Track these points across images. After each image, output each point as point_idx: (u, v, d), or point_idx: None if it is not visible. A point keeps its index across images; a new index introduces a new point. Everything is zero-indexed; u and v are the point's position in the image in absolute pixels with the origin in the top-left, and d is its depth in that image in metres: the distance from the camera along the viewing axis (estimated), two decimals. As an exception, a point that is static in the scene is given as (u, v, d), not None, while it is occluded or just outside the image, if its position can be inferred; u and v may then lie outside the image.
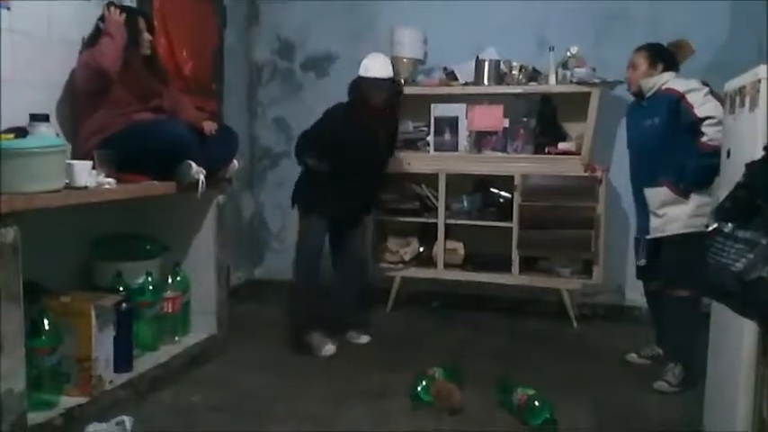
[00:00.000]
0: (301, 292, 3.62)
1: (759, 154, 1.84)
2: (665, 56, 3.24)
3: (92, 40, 3.03)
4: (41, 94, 2.88)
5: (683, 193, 3.07)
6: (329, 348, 3.52)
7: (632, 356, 3.45)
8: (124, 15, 3.02)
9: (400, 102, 3.77)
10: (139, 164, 2.89)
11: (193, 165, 3.00)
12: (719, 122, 2.80)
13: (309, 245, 3.60)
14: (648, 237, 3.22)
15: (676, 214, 3.10)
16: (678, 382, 3.05)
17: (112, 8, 3.02)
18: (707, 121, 2.96)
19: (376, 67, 3.54)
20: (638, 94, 3.30)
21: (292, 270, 3.74)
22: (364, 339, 3.75)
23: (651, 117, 3.17)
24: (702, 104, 3.00)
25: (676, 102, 3.06)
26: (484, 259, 4.24)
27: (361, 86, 3.56)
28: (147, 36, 3.16)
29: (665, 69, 3.21)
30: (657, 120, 3.13)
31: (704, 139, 2.97)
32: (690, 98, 3.03)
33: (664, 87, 3.16)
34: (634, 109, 3.38)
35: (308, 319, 3.60)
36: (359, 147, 3.52)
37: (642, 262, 3.29)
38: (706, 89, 3.03)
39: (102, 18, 3.04)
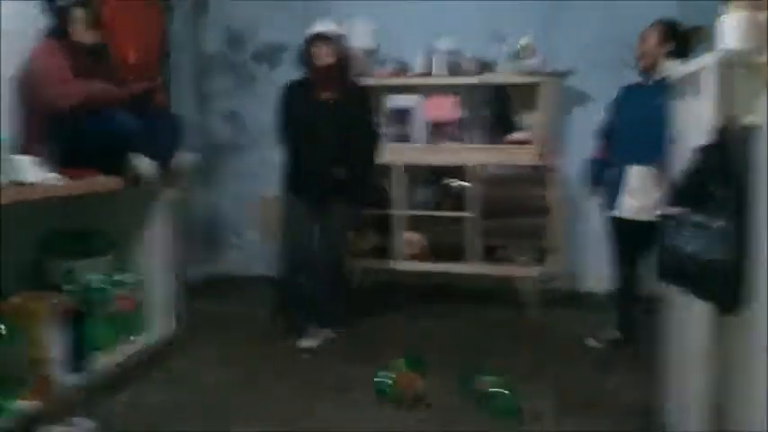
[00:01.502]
0: (285, 277, 3.63)
1: (705, 140, 1.88)
2: (677, 36, 3.19)
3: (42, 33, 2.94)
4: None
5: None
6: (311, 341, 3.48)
7: (591, 341, 3.51)
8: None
9: (349, 66, 3.62)
10: (85, 157, 2.82)
11: (135, 156, 2.94)
12: None
13: (287, 226, 3.59)
14: (619, 215, 3.25)
15: (654, 201, 3.04)
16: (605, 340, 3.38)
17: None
18: None
19: (317, 25, 3.51)
20: (644, 75, 3.26)
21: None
22: (329, 335, 3.64)
23: (661, 99, 2.89)
24: None
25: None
26: (442, 249, 4.27)
27: (303, 50, 3.52)
28: (81, 26, 3.06)
29: (674, 50, 3.15)
30: (656, 104, 2.98)
31: None
32: None
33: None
34: (636, 90, 3.33)
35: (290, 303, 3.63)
36: (300, 118, 3.51)
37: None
38: None
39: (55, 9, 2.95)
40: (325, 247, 3.63)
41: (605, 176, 3.39)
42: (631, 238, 3.28)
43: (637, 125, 3.22)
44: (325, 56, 3.44)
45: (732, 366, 1.92)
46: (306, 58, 3.51)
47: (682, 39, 3.21)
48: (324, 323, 3.60)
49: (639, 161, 3.17)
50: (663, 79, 3.14)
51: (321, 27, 3.50)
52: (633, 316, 3.43)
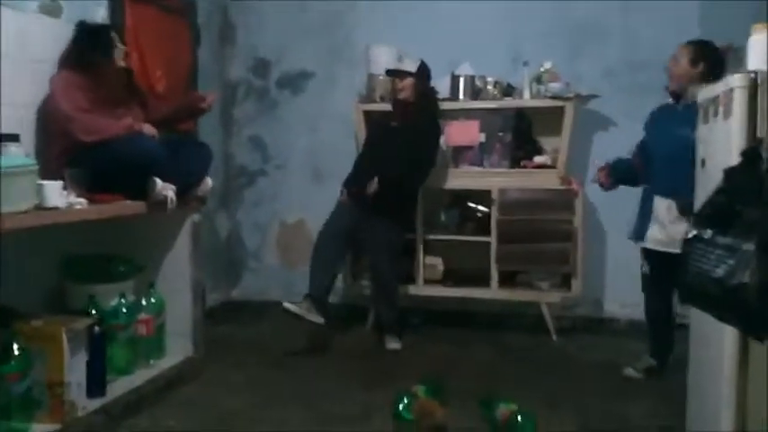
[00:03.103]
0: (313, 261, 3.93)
1: (734, 161, 1.85)
2: (709, 56, 3.10)
3: (66, 59, 2.99)
4: (11, 114, 2.81)
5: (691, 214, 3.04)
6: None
7: (629, 371, 3.36)
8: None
9: (421, 102, 3.94)
10: (110, 182, 2.84)
11: (158, 181, 2.94)
12: None
13: (330, 220, 3.97)
14: (644, 246, 3.21)
15: (681, 234, 3.04)
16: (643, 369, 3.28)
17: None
18: None
19: (398, 62, 4.05)
20: (676, 95, 3.19)
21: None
22: (395, 345, 3.91)
23: (691, 128, 2.88)
24: None
25: None
26: (463, 274, 4.23)
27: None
28: (120, 46, 3.10)
29: (707, 71, 3.05)
30: (692, 132, 2.94)
31: None
32: None
33: None
34: (666, 113, 3.25)
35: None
36: (370, 138, 4.04)
37: (645, 269, 3.30)
38: None
39: (78, 37, 3.00)
40: (370, 262, 4.00)
41: (640, 207, 3.29)
42: (661, 268, 3.18)
43: (666, 154, 3.12)
44: (401, 90, 3.90)
45: (758, 393, 1.87)
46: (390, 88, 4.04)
47: (715, 58, 3.11)
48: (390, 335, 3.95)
49: (669, 194, 3.10)
50: (694, 103, 3.09)
51: (399, 64, 3.99)
52: (669, 344, 3.31)
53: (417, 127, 3.91)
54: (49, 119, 2.95)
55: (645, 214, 3.23)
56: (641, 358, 3.39)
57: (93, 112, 2.90)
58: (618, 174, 3.45)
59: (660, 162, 3.18)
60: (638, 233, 3.26)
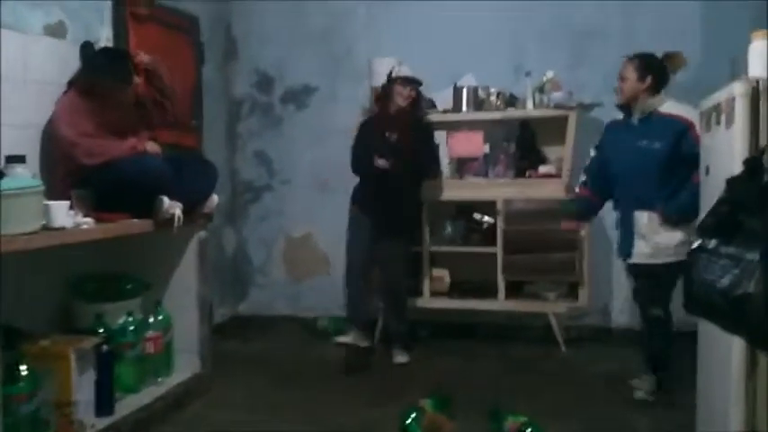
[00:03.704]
0: (348, 286, 4.05)
1: (737, 170, 1.85)
2: (655, 68, 3.15)
3: (77, 82, 3.02)
4: (17, 135, 2.84)
5: (675, 223, 3.05)
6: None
7: (639, 393, 3.21)
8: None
9: (415, 107, 3.98)
10: (116, 201, 2.85)
11: (166, 200, 2.95)
12: None
13: (352, 239, 4.02)
14: (633, 261, 3.22)
15: (666, 243, 3.09)
16: (653, 390, 3.17)
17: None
18: None
19: (404, 69, 3.90)
20: (625, 109, 3.22)
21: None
22: (403, 359, 3.89)
23: (649, 140, 3.08)
24: None
25: (684, 131, 3.01)
26: (470, 286, 4.22)
27: (385, 90, 3.93)
28: (136, 80, 3.13)
29: (655, 83, 3.12)
30: (659, 145, 3.05)
31: None
32: (698, 129, 2.93)
33: (664, 111, 3.11)
34: (622, 127, 3.27)
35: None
36: (367, 151, 3.87)
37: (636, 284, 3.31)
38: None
39: (96, 62, 3.04)
40: (382, 274, 3.97)
41: (617, 223, 3.33)
42: (650, 281, 3.19)
43: (634, 168, 3.15)
44: (401, 98, 3.86)
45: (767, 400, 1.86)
46: (385, 96, 3.92)
47: (660, 69, 3.15)
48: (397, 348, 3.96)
49: (646, 207, 3.13)
50: (649, 115, 3.13)
51: (403, 72, 3.89)
52: (669, 358, 3.24)
53: (421, 131, 3.98)
54: (53, 142, 2.97)
55: (627, 231, 3.24)
56: (644, 378, 3.24)
57: (97, 136, 2.92)
58: (582, 213, 3.56)
59: (628, 178, 3.19)
60: (625, 251, 3.25)
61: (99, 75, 3.01)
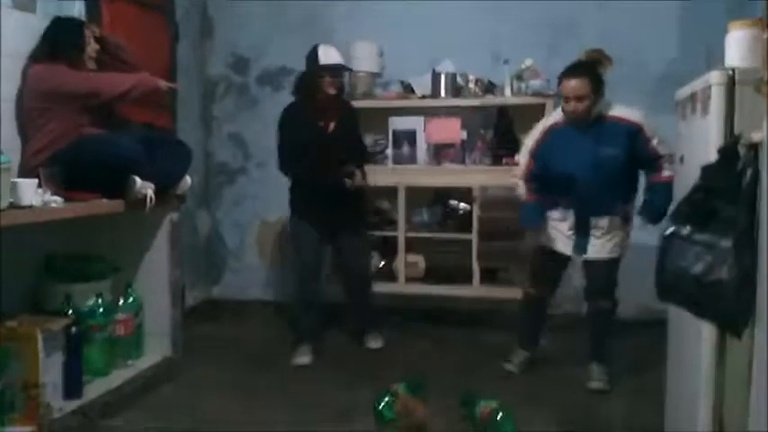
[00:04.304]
0: (296, 303, 3.79)
1: (712, 158, 1.86)
2: (597, 75, 3.09)
3: (38, 54, 2.94)
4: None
5: (629, 220, 3.20)
6: (303, 359, 3.61)
7: (509, 366, 3.47)
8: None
9: (342, 91, 3.79)
10: (87, 180, 2.80)
11: (138, 180, 2.90)
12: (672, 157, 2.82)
13: (303, 253, 3.69)
14: (589, 258, 3.24)
15: (620, 238, 3.21)
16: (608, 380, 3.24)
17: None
18: (665, 158, 2.99)
19: (325, 56, 3.60)
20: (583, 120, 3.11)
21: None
22: (376, 344, 3.87)
23: (603, 146, 3.05)
24: (656, 138, 3.03)
25: (635, 133, 3.04)
26: (444, 272, 4.22)
27: (312, 78, 3.60)
28: (93, 46, 3.07)
29: (599, 87, 3.07)
30: (614, 150, 3.04)
31: (666, 174, 2.97)
32: (647, 131, 3.03)
33: (612, 114, 3.09)
34: (571, 133, 3.13)
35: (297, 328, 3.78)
36: (302, 144, 3.58)
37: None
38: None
39: (52, 32, 2.96)
40: (350, 266, 3.84)
41: (576, 226, 3.25)
42: (603, 274, 3.25)
43: (589, 175, 3.08)
44: (332, 87, 3.61)
45: (736, 388, 1.87)
46: (312, 85, 3.62)
47: (598, 75, 3.10)
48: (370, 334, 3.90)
49: (602, 212, 3.17)
50: (599, 120, 3.11)
51: (331, 59, 3.60)
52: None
53: (353, 116, 3.84)
54: (58, 100, 2.89)
55: (583, 232, 3.23)
56: (594, 368, 3.28)
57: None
58: (539, 218, 3.36)
59: (584, 184, 3.11)
60: (581, 248, 3.25)
61: (55, 43, 2.96)
